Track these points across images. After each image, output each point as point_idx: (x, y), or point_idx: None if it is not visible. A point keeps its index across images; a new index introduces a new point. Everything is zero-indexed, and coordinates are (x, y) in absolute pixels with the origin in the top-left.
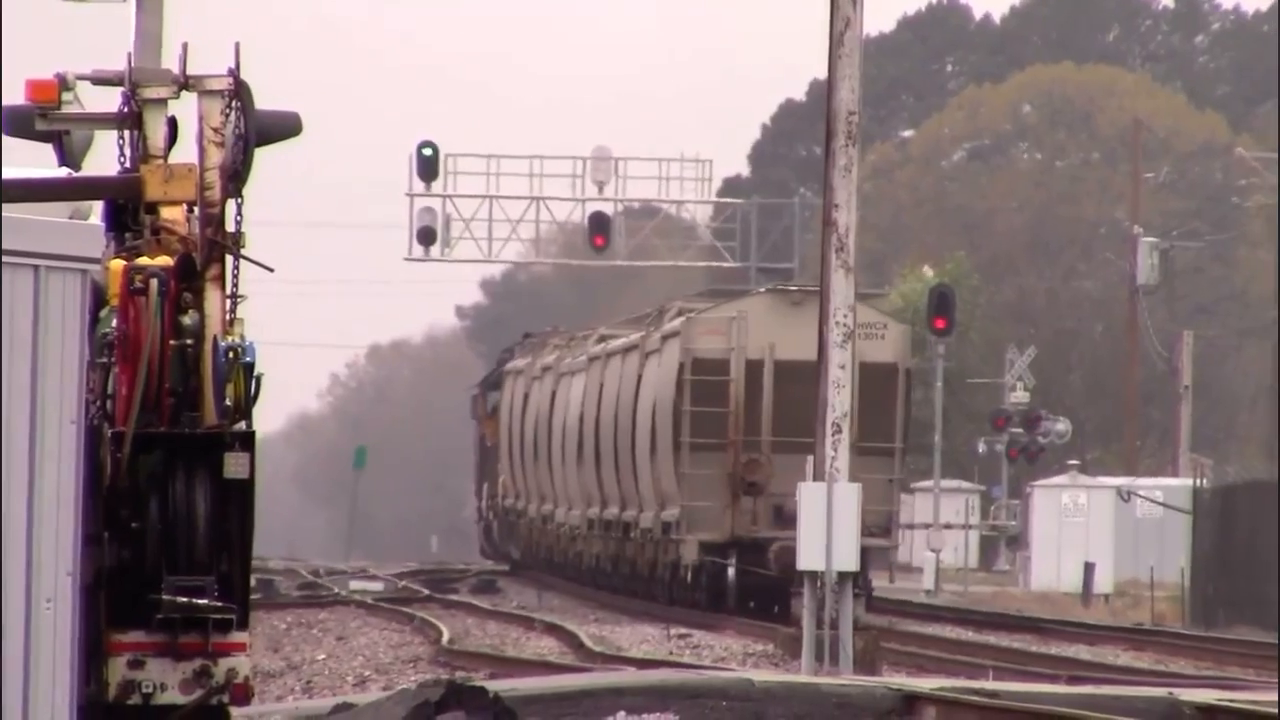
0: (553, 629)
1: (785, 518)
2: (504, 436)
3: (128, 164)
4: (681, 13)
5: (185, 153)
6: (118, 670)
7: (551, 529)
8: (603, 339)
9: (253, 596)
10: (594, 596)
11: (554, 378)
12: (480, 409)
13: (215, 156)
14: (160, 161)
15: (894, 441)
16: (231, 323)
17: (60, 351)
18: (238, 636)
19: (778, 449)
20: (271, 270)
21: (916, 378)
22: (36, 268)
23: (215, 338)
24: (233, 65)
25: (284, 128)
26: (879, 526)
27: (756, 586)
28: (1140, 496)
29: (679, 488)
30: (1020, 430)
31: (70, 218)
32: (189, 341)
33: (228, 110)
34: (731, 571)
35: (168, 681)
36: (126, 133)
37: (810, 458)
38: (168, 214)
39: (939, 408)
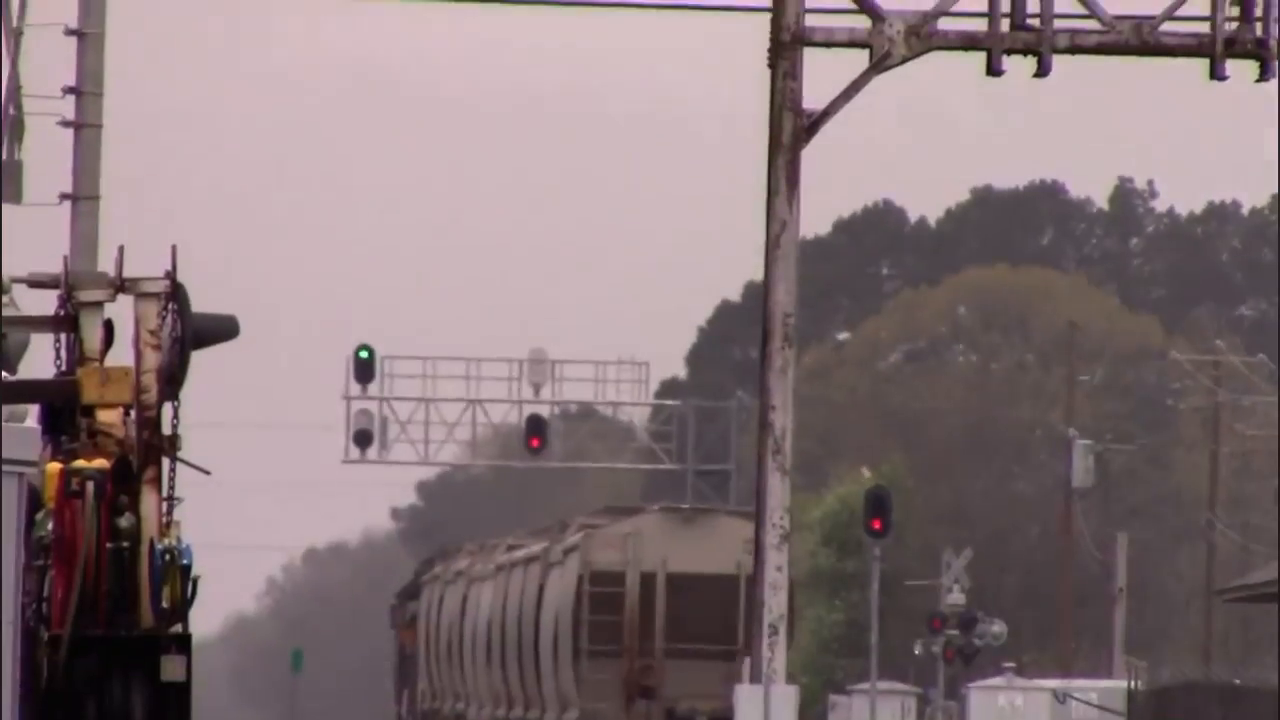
0: None
1: None
2: (421, 643)
3: (64, 366)
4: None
5: (122, 355)
6: None
7: None
8: (510, 548)
9: None
10: None
11: (465, 584)
12: (399, 619)
13: (152, 359)
14: (96, 364)
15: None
16: (168, 525)
17: None
18: None
19: (670, 655)
20: (208, 473)
21: (853, 579)
22: None
23: (152, 540)
24: (169, 268)
25: (221, 330)
26: None
27: None
28: (1075, 699)
29: (577, 692)
30: (956, 632)
31: (6, 420)
32: (125, 544)
33: (164, 313)
34: None
35: None
36: (63, 335)
37: (707, 663)
38: (104, 416)
39: (875, 609)
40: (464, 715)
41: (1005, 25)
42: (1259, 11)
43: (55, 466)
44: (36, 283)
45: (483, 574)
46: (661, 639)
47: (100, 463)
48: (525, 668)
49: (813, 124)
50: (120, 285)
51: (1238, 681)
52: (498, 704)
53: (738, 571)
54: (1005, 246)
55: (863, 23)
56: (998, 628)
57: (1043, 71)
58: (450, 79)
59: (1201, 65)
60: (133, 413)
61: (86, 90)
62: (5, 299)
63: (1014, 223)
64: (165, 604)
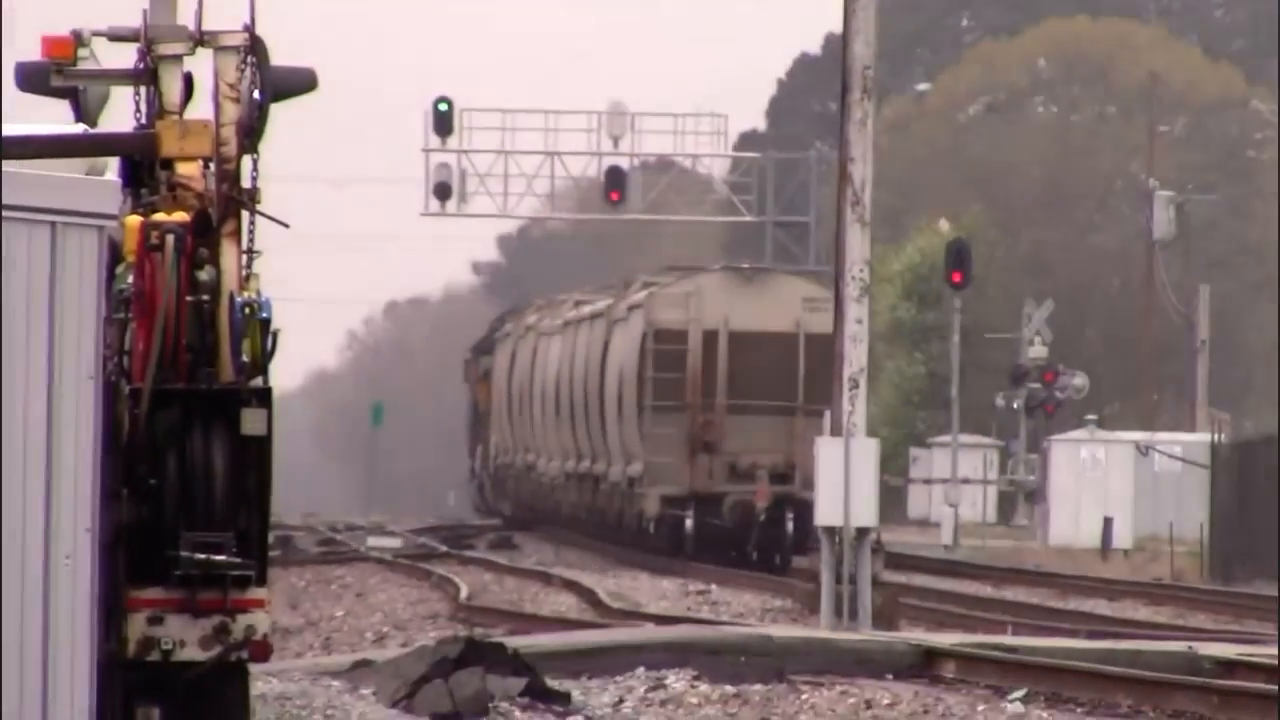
0: (570, 585)
1: (739, 474)
2: (495, 397)
3: (143, 120)
4: None
5: (201, 109)
6: (137, 627)
7: (534, 479)
8: (578, 304)
9: (271, 553)
10: (610, 551)
11: (534, 340)
12: (473, 373)
13: (231, 112)
14: (176, 117)
15: None
16: (248, 279)
17: (78, 307)
18: (256, 593)
19: (732, 411)
20: (287, 226)
21: (933, 332)
22: (53, 224)
23: (231, 293)
24: (248, 21)
25: (299, 83)
26: None
27: (712, 536)
28: (1158, 451)
29: (642, 446)
30: (1038, 385)
31: (87, 174)
32: (205, 297)
33: (243, 66)
34: (689, 522)
35: (186, 638)
36: (142, 89)
37: (766, 419)
38: (183, 170)
39: (955, 363)
40: (534, 467)
41: None
42: None
43: (135, 220)
44: (116, 36)
45: (551, 329)
46: (723, 395)
47: (180, 216)
48: (591, 422)
49: None
50: (199, 39)
51: None
52: (566, 456)
53: (797, 330)
54: None
55: None
56: (1080, 380)
57: None
58: None
59: None
60: (212, 166)
61: None
62: (85, 52)
63: None
64: (245, 357)
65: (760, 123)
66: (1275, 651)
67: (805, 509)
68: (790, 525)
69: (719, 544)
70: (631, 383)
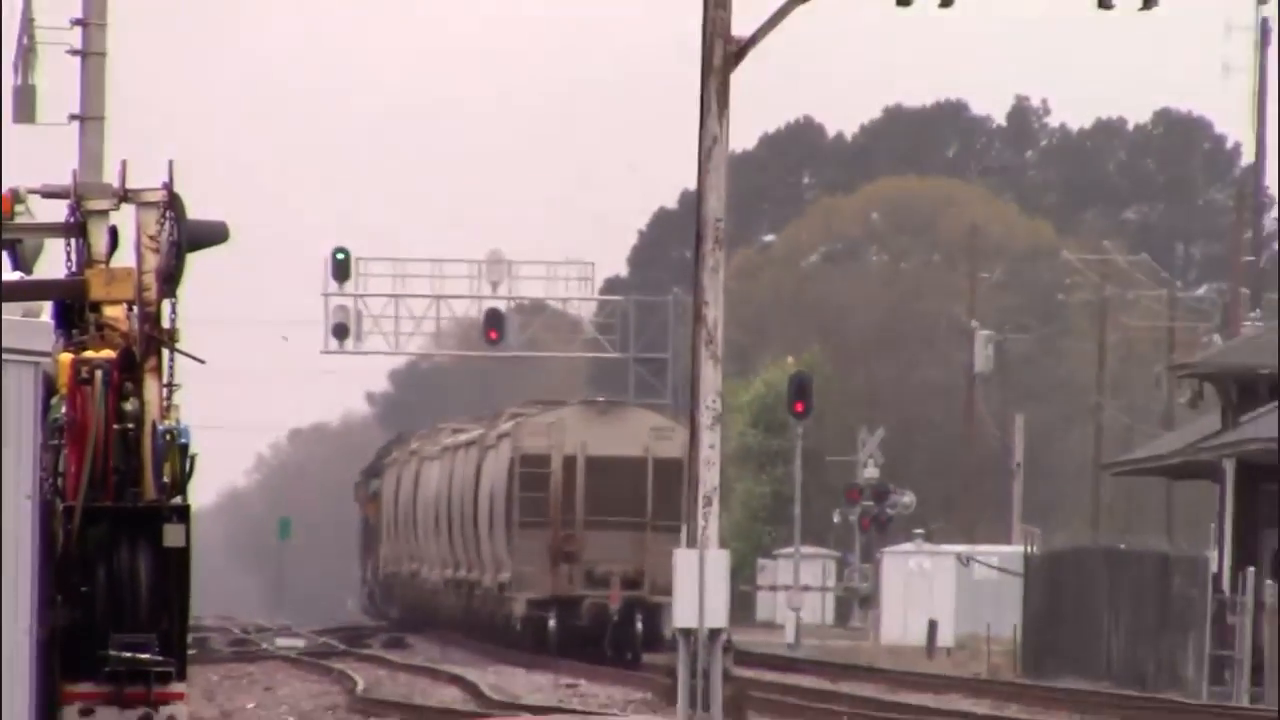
0: (456, 679)
1: (595, 580)
2: (384, 515)
3: (74, 268)
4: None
5: (125, 258)
6: (71, 717)
7: (417, 586)
8: (455, 431)
9: (189, 652)
10: (488, 650)
11: (417, 464)
12: (362, 494)
13: (152, 261)
14: (103, 266)
15: (679, 520)
16: (168, 409)
17: (17, 434)
18: (177, 687)
19: (589, 526)
20: (203, 362)
21: (778, 456)
22: None
23: (154, 422)
24: (167, 180)
25: (213, 235)
26: (668, 586)
27: (573, 634)
28: (978, 562)
29: (510, 556)
30: (871, 503)
31: (23, 316)
32: (130, 425)
33: (163, 220)
34: (552, 623)
35: None
36: (73, 240)
37: (619, 533)
38: (110, 312)
39: (799, 482)
40: (418, 574)
41: None
42: None
43: (67, 357)
44: (49, 194)
45: (431, 454)
46: (581, 512)
47: (107, 353)
48: (467, 535)
49: (741, 50)
50: (123, 196)
51: (1123, 546)
52: (445, 565)
53: (646, 455)
54: (914, 159)
55: None
56: (908, 499)
57: (947, 1)
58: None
59: None
60: (135, 309)
61: (92, 21)
62: (21, 208)
63: (922, 137)
64: (166, 478)
65: (624, 269)
66: None
67: (653, 611)
68: (640, 624)
69: (578, 641)
70: (501, 501)
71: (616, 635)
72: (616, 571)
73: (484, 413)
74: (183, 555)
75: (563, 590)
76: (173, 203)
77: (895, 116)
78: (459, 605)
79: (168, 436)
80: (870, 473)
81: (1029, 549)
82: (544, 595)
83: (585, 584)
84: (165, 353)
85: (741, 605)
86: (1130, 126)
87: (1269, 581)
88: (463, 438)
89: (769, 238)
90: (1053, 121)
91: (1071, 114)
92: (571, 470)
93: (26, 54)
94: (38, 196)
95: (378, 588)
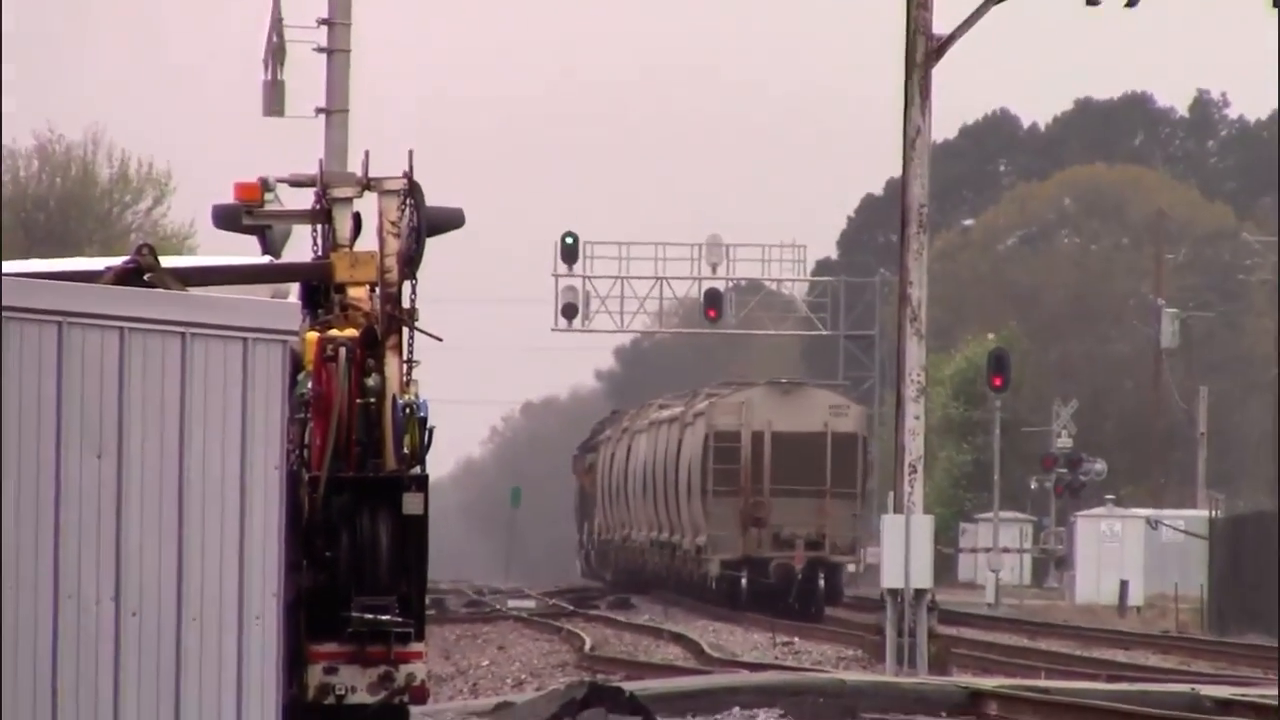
0: (678, 638)
1: (781, 542)
2: (599, 484)
3: (319, 252)
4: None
5: (367, 243)
6: (316, 675)
7: (628, 549)
8: (661, 407)
9: (427, 613)
10: (712, 612)
11: (628, 439)
12: (579, 466)
13: (393, 245)
14: (347, 250)
15: (855, 488)
16: (408, 383)
17: (265, 409)
18: (415, 646)
19: (775, 494)
20: (440, 340)
21: (978, 427)
22: (245, 339)
23: (394, 396)
24: (407, 169)
25: (450, 221)
26: (847, 547)
27: (762, 592)
28: (1166, 525)
29: (706, 521)
30: (1065, 470)
31: (273, 298)
32: (372, 400)
33: (403, 206)
34: (743, 581)
35: (357, 684)
36: (319, 226)
37: (802, 500)
38: (353, 293)
39: (997, 451)
40: (628, 538)
41: None
42: None
43: (313, 335)
44: (297, 182)
45: (640, 429)
46: (768, 481)
47: (350, 332)
48: (669, 502)
49: (941, 46)
50: (366, 184)
51: None
52: (651, 529)
53: (825, 430)
54: (1103, 147)
55: None
56: (1100, 466)
57: (1132, 1)
58: None
59: None
60: (377, 290)
61: (337, 21)
62: (270, 196)
63: (1110, 128)
64: (406, 450)
65: (833, 252)
66: (1267, 692)
67: (834, 570)
68: (822, 583)
69: (766, 598)
70: (698, 472)
71: (801, 592)
72: (800, 535)
73: (698, 388)
74: (421, 522)
75: (752, 552)
76: (413, 190)
77: (1085, 108)
78: (663, 565)
79: (407, 410)
80: (1064, 442)
81: (1213, 513)
82: (736, 556)
83: (772, 546)
84: (405, 331)
85: (944, 567)
86: None
87: None
88: (666, 414)
89: (968, 222)
90: (1232, 113)
91: (1249, 105)
92: (759, 444)
93: (276, 51)
94: (286, 185)
95: (593, 551)
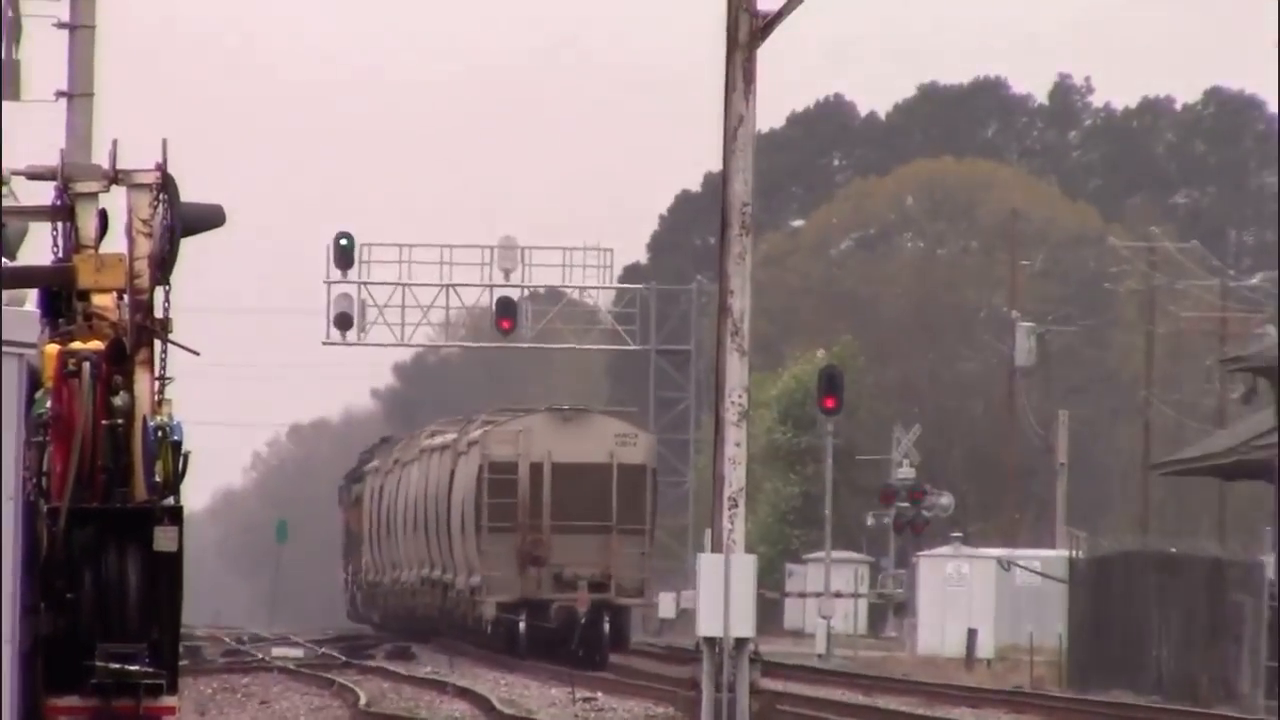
0: (465, 693)
1: (563, 583)
2: (366, 520)
3: (61, 254)
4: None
5: (115, 243)
6: None
7: (397, 590)
8: (433, 434)
9: (181, 663)
10: (503, 661)
11: (399, 468)
12: (345, 499)
13: (144, 246)
14: (91, 251)
15: (644, 524)
16: (160, 403)
17: None
18: (167, 700)
19: (556, 531)
20: (197, 354)
21: (807, 454)
22: None
23: (145, 417)
24: (160, 160)
25: (209, 219)
26: (634, 589)
27: (542, 637)
28: (1019, 566)
29: (480, 560)
30: (907, 504)
31: (6, 305)
32: (120, 421)
33: (155, 203)
34: (522, 625)
35: None
36: (59, 225)
37: (586, 537)
38: (99, 301)
39: (829, 483)
40: (397, 579)
41: None
42: None
43: (53, 348)
44: (35, 175)
45: (409, 459)
46: (548, 517)
47: (96, 344)
48: (441, 539)
49: (768, 24)
50: (114, 177)
51: (1173, 550)
52: (422, 566)
53: (611, 461)
54: (951, 139)
55: None
56: (945, 500)
57: None
58: None
59: None
60: (126, 297)
61: None
62: (5, 190)
63: (959, 117)
64: (158, 478)
65: (643, 256)
66: None
67: (620, 613)
68: (607, 626)
69: (547, 644)
70: (471, 506)
71: (585, 637)
72: (584, 575)
73: (474, 414)
74: (175, 560)
75: (531, 593)
76: (166, 185)
77: (930, 94)
78: (435, 607)
79: (159, 433)
80: (905, 472)
81: (1074, 553)
82: (513, 598)
83: (554, 587)
84: (158, 344)
85: (769, 613)
86: (1179, 106)
87: None
88: (438, 441)
89: (798, 223)
90: (1096, 100)
91: (1117, 93)
92: (539, 476)
93: (12, 27)
94: (22, 178)
95: (359, 592)
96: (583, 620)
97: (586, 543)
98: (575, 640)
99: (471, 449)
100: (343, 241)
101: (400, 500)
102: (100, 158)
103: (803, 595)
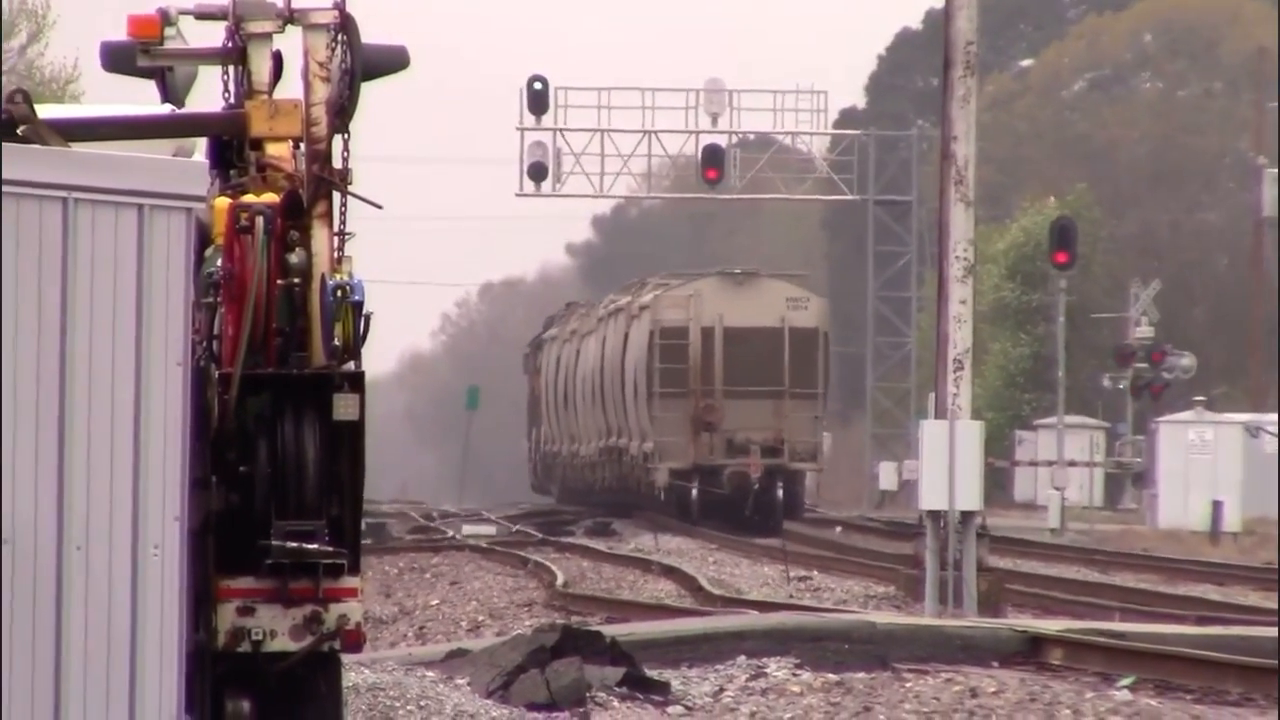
0: (670, 571)
1: (735, 449)
2: (544, 390)
3: (232, 100)
4: None
5: (290, 88)
6: (227, 617)
7: (576, 461)
8: (610, 303)
9: (364, 541)
10: (712, 537)
11: (577, 339)
12: (530, 366)
13: (321, 92)
14: (265, 97)
15: (816, 388)
16: (339, 261)
17: (165, 292)
18: (349, 582)
19: (728, 396)
20: (380, 207)
21: (1038, 313)
22: (141, 206)
23: (323, 276)
24: None
25: (391, 62)
26: (808, 453)
27: (714, 502)
28: (1268, 432)
29: (653, 426)
30: (1145, 366)
31: (174, 155)
32: (296, 280)
33: (333, 44)
34: (694, 491)
35: (278, 628)
36: (230, 68)
37: (757, 402)
38: (273, 150)
39: (1061, 344)
40: (576, 453)
41: None
42: None
43: (224, 201)
44: (204, 14)
45: (587, 329)
46: (720, 382)
47: (270, 197)
48: (615, 407)
49: None
50: (289, 16)
51: None
52: (599, 435)
53: (782, 325)
54: None
55: None
56: (1187, 361)
57: None
58: None
59: None
60: (303, 146)
61: None
62: (171, 31)
63: None
64: (337, 342)
65: (860, 100)
66: None
67: (793, 479)
68: (780, 493)
69: (720, 509)
70: (643, 373)
71: (758, 503)
72: (756, 440)
73: (646, 278)
74: (356, 429)
75: (704, 459)
76: (346, 24)
77: None
78: (611, 475)
79: (339, 293)
80: (1144, 331)
81: None
82: (685, 465)
83: (726, 453)
84: (337, 196)
85: (997, 484)
86: None
87: None
88: (613, 306)
89: (1026, 63)
90: None
91: None
92: (710, 341)
93: None
94: (190, 18)
95: (540, 463)
96: (755, 486)
97: (759, 408)
98: (748, 506)
99: (643, 314)
100: (536, 85)
101: (578, 370)
102: None
103: (1034, 464)
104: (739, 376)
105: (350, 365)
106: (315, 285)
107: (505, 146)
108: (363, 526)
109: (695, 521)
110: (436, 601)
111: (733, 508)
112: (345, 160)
